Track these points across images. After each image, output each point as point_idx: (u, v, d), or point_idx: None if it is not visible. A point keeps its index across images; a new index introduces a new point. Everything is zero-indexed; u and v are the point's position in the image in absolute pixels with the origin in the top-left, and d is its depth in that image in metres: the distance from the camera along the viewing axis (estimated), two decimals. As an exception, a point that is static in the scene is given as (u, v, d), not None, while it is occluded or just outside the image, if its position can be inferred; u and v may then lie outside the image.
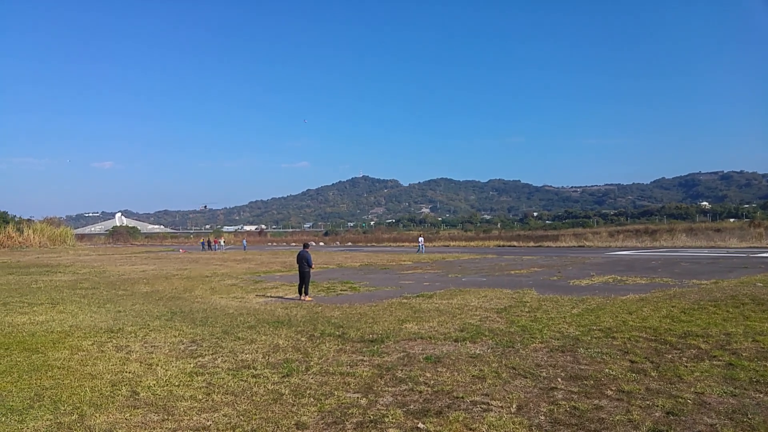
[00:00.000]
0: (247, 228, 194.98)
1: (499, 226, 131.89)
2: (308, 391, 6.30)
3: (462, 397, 5.98)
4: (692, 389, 6.08)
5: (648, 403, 5.68)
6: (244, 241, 75.80)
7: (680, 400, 5.73)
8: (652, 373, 6.74)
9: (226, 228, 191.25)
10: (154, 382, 6.85)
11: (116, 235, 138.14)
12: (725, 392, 5.97)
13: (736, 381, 6.35)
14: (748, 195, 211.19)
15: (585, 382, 6.47)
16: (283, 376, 6.98)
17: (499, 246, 56.74)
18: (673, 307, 11.71)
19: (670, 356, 7.58)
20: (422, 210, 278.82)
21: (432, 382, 6.60)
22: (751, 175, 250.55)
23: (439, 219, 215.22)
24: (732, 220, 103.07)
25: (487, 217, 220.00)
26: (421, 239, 48.93)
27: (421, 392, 6.22)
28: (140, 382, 6.87)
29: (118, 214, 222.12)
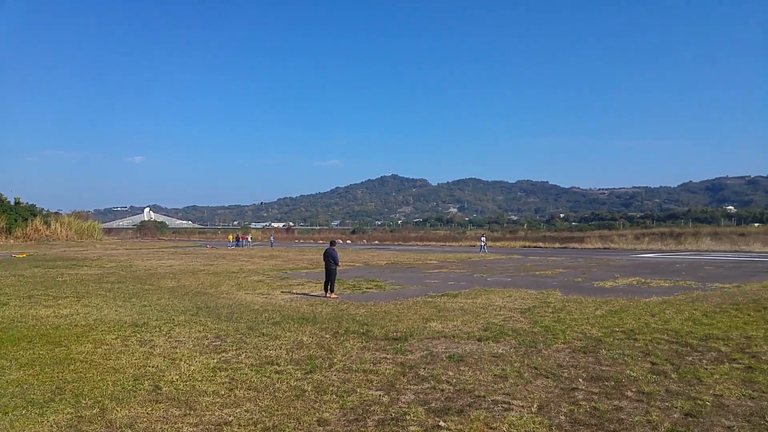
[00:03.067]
0: (275, 225, 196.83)
1: (525, 226, 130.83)
2: (331, 388, 6.45)
3: (483, 396, 6.06)
4: (711, 391, 6.09)
5: (667, 404, 5.69)
6: (272, 237, 76.64)
7: (699, 402, 5.74)
8: (673, 375, 6.74)
9: (253, 225, 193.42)
10: (177, 377, 6.97)
11: (144, 230, 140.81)
12: (744, 395, 5.97)
13: (755, 384, 6.34)
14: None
15: (606, 383, 6.50)
16: (306, 373, 7.14)
17: (525, 247, 56.29)
18: (695, 310, 11.61)
19: (690, 359, 7.56)
20: (450, 210, 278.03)
21: (454, 380, 6.69)
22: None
23: (467, 219, 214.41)
24: (757, 224, 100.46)
25: (515, 217, 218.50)
26: (483, 239, 47.15)
27: (443, 390, 6.31)
28: (163, 376, 6.99)
29: (147, 209, 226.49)
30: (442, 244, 67.62)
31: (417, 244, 68.16)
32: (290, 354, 8.23)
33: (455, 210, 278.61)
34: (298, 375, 7.05)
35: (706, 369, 6.99)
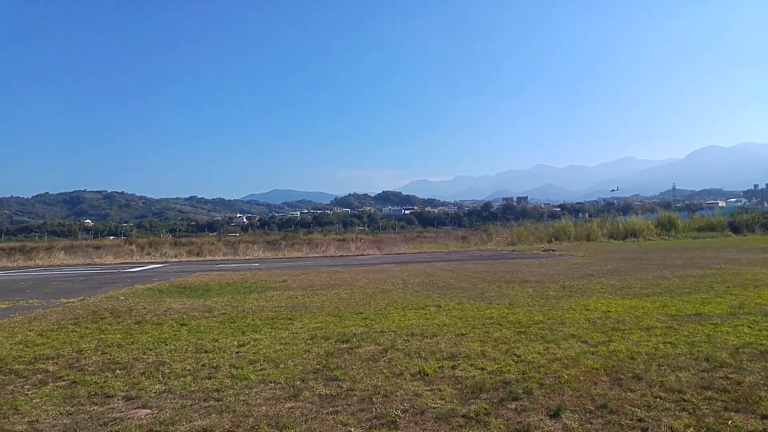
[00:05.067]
0: None
1: None
2: None
3: None
4: (26, 419, 5.68)
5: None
6: None
7: (10, 433, 5.27)
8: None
9: None
10: None
11: None
12: (61, 413, 5.86)
13: (76, 398, 6.34)
14: (127, 214, 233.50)
15: None
16: None
17: None
18: (30, 330, 10.92)
19: (12, 387, 6.90)
20: None
21: None
22: (130, 196, 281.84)
23: None
24: (112, 237, 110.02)
25: None
26: None
27: None
28: None
29: None
30: None
31: None
32: None
33: None
34: None
35: (27, 395, 6.51)
